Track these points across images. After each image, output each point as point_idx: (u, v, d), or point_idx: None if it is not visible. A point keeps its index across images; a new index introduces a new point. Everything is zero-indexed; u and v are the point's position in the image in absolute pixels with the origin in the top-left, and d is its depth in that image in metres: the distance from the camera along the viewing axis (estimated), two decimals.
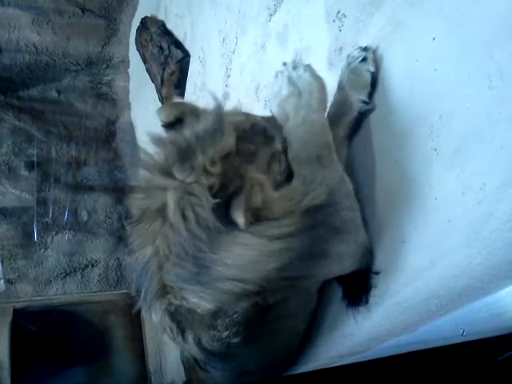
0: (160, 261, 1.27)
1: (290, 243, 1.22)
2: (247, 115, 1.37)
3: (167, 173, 1.22)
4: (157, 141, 1.26)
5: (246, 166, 1.24)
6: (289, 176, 1.32)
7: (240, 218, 1.15)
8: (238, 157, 1.24)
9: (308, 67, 1.44)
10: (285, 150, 1.33)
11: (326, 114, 1.47)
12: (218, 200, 1.17)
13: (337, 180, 1.36)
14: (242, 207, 1.15)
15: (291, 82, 1.42)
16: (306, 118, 1.38)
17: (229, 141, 1.22)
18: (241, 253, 1.20)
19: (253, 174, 1.23)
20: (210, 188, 1.18)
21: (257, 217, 1.19)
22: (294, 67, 1.44)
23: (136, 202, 1.29)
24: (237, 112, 1.39)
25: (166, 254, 1.25)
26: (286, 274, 1.25)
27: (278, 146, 1.32)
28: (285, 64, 1.48)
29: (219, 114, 1.25)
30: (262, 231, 1.21)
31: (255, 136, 1.31)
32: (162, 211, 1.23)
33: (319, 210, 1.27)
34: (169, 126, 1.34)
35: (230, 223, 1.17)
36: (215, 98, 1.28)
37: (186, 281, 1.25)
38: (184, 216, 1.19)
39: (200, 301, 1.26)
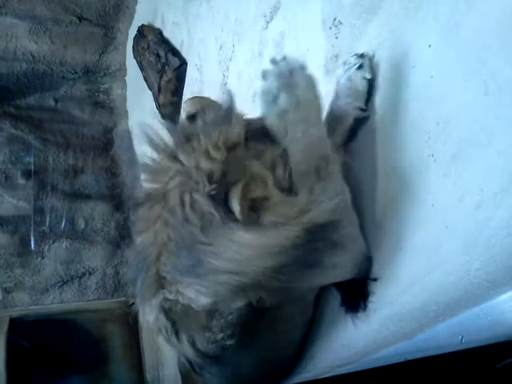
0: (158, 249, 1.27)
1: (286, 250, 1.21)
2: (261, 118, 1.34)
3: (174, 157, 1.23)
4: (167, 127, 1.27)
5: (252, 160, 1.23)
6: (290, 188, 1.30)
7: (236, 205, 1.15)
8: (245, 150, 1.24)
9: (302, 71, 1.29)
10: (286, 158, 1.32)
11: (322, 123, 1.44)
12: (214, 186, 1.17)
13: (337, 191, 1.34)
14: (239, 194, 1.15)
15: (287, 89, 1.26)
16: (305, 131, 1.29)
17: (235, 130, 1.23)
18: (237, 250, 1.20)
19: (257, 168, 1.22)
20: (210, 174, 1.18)
21: (255, 211, 1.18)
22: (290, 72, 1.26)
23: (143, 185, 1.30)
24: (252, 115, 1.38)
25: (165, 241, 1.25)
26: (281, 276, 1.25)
27: (283, 152, 1.31)
28: (275, 62, 1.27)
29: (230, 105, 1.28)
30: (259, 235, 1.20)
31: (264, 137, 1.29)
32: (165, 194, 1.24)
33: (322, 227, 1.25)
34: (190, 118, 1.36)
35: (226, 212, 1.17)
36: (228, 93, 1.29)
37: (182, 272, 1.24)
38: (182, 200, 1.20)
39: (196, 295, 1.25)
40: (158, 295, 1.31)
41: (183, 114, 1.38)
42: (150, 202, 1.27)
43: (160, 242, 1.26)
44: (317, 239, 1.26)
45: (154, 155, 1.27)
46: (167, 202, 1.23)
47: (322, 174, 1.32)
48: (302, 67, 1.27)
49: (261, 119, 1.33)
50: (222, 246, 1.20)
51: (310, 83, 1.29)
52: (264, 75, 1.27)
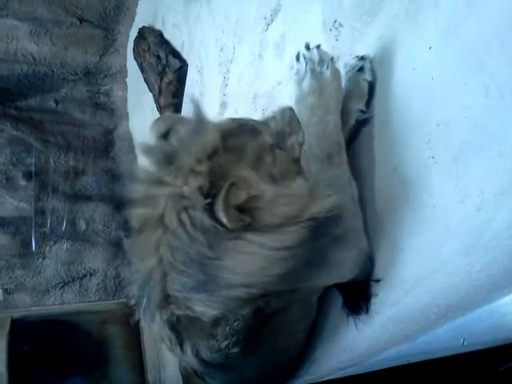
0: (164, 270, 1.25)
1: (293, 252, 1.21)
2: (234, 118, 1.35)
3: (159, 181, 1.21)
4: (145, 150, 1.26)
5: (233, 163, 1.22)
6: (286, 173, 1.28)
7: (222, 217, 1.13)
8: (225, 154, 1.22)
9: (331, 63, 1.43)
10: (279, 145, 1.30)
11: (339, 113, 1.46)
12: (209, 200, 1.15)
13: (344, 182, 1.37)
14: (221, 205, 1.13)
15: (314, 75, 1.41)
16: (323, 117, 1.39)
17: (210, 137, 1.21)
18: (247, 261, 1.19)
19: (237, 170, 1.20)
20: (201, 188, 1.16)
21: (251, 213, 1.17)
22: (320, 61, 1.42)
23: (135, 214, 1.27)
24: (225, 118, 1.37)
25: (171, 262, 1.23)
26: (290, 279, 1.25)
27: (267, 138, 1.29)
28: (308, 48, 1.44)
29: (199, 114, 1.26)
30: (265, 242, 1.19)
31: (242, 133, 1.28)
32: (161, 220, 1.22)
33: (324, 220, 1.25)
34: (162, 137, 1.33)
35: (223, 224, 1.15)
36: (193, 101, 1.29)
37: (193, 289, 1.23)
38: (180, 220, 1.18)
39: (206, 309, 1.24)
40: (165, 312, 1.30)
41: (154, 135, 1.37)
42: (149, 229, 1.25)
43: (166, 263, 1.23)
44: (320, 235, 1.25)
45: (139, 187, 1.26)
46: (166, 227, 1.21)
47: (334, 160, 1.36)
48: (332, 59, 1.42)
49: (235, 119, 1.34)
50: (229, 259, 1.19)
51: (336, 75, 1.42)
52: (297, 57, 1.44)
